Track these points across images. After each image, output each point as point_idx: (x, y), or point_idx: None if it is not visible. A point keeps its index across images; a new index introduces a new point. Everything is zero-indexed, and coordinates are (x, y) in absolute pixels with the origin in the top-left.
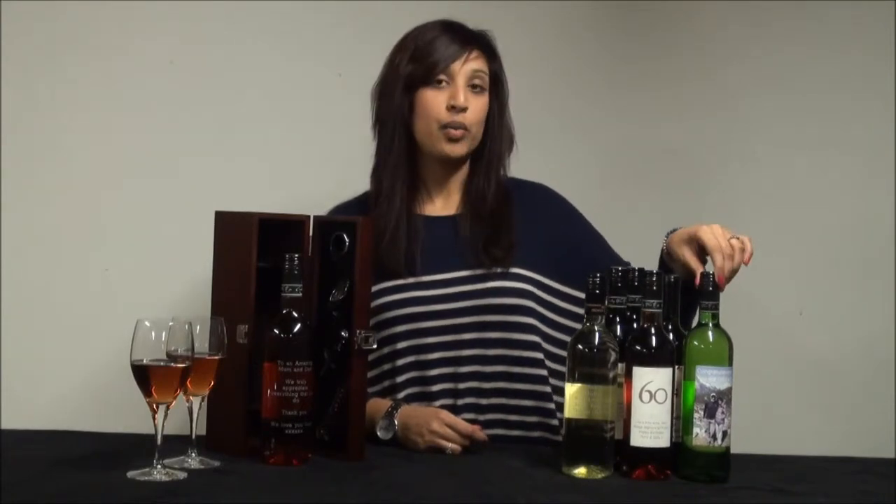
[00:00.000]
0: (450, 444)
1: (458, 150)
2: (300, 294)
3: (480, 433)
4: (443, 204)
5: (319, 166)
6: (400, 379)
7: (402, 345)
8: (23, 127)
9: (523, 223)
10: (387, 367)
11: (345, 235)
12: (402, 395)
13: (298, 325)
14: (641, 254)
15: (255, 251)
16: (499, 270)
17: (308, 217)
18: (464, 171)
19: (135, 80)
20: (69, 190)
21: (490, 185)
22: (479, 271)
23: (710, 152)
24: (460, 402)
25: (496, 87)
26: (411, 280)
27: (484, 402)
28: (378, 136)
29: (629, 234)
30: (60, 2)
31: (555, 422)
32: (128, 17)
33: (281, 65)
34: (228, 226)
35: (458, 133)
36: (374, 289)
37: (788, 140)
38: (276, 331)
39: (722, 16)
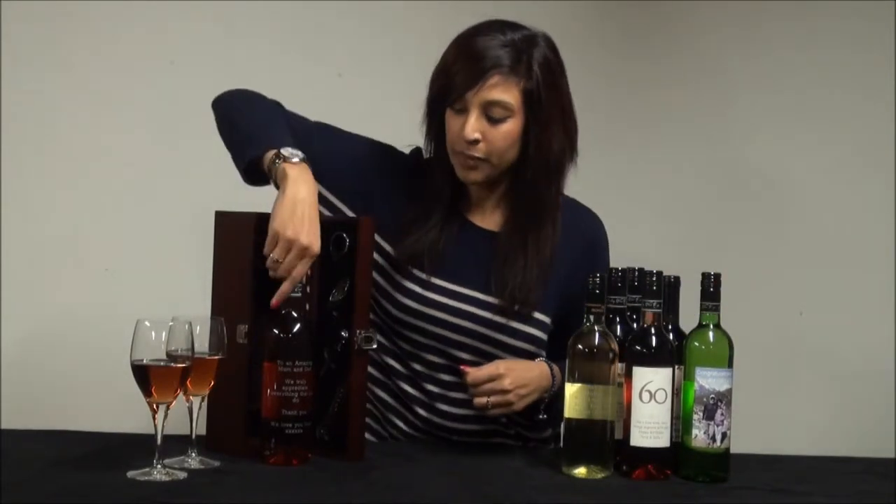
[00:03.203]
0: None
1: (474, 176)
2: (300, 294)
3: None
4: (482, 216)
5: None
6: (392, 362)
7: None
8: (23, 127)
9: (560, 247)
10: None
11: (345, 235)
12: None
13: (298, 325)
14: (639, 251)
15: (255, 251)
16: (521, 312)
17: None
18: (502, 189)
19: (135, 80)
20: (69, 190)
21: (530, 216)
22: (500, 304)
23: (710, 153)
24: (439, 405)
25: (531, 107)
26: (429, 279)
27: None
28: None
29: (625, 233)
30: (61, 2)
31: (511, 431)
32: (128, 17)
33: (281, 65)
34: (228, 226)
35: (471, 163)
36: (394, 279)
37: (788, 140)
38: (276, 331)
39: (723, 16)
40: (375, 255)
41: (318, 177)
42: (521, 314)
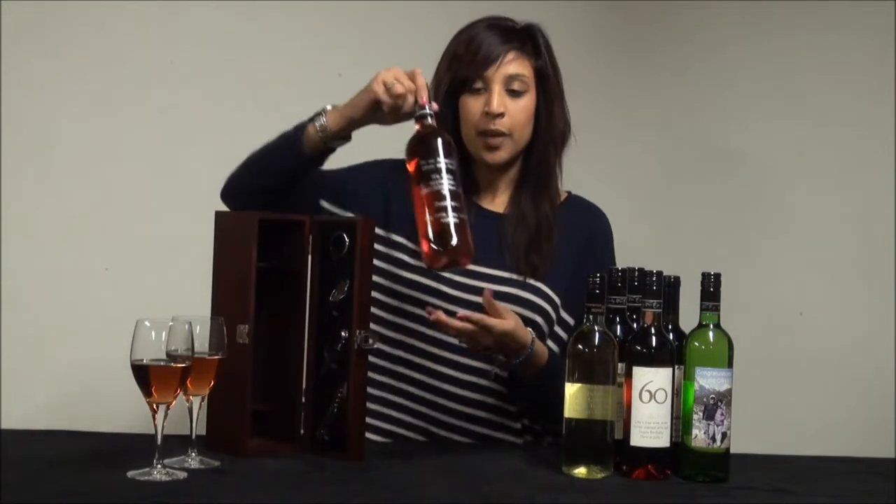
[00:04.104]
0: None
1: (498, 156)
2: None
3: (423, 94)
4: (490, 199)
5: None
6: (402, 353)
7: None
8: (23, 127)
9: (563, 240)
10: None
11: (345, 235)
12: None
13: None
14: (640, 251)
15: (255, 251)
16: (532, 282)
17: (308, 217)
18: (513, 172)
19: (135, 80)
20: (69, 189)
21: (541, 187)
22: (513, 276)
23: (710, 152)
24: (439, 384)
25: (541, 83)
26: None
27: (461, 392)
28: None
29: (626, 232)
30: (61, 2)
31: (517, 426)
32: (128, 17)
33: (281, 65)
34: (228, 226)
35: (495, 141)
36: (421, 269)
37: (789, 139)
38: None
39: (724, 13)
40: (401, 255)
41: (342, 204)
42: (533, 287)
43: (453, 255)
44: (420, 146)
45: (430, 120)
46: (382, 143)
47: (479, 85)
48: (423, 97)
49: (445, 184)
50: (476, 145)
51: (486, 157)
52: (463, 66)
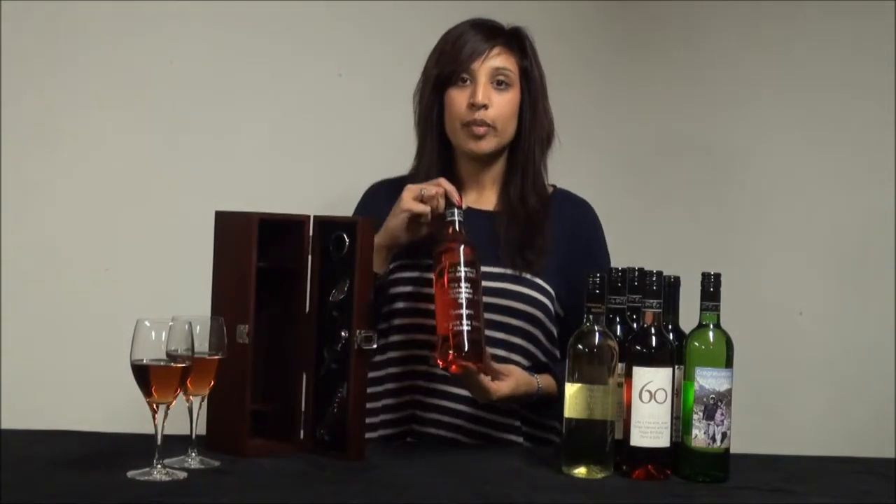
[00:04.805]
0: (422, 206)
1: (483, 146)
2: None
3: (455, 195)
4: (476, 198)
5: (319, 166)
6: (394, 355)
7: (400, 321)
8: (23, 127)
9: (554, 234)
10: (394, 338)
11: (345, 235)
12: (389, 356)
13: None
14: (639, 251)
15: (255, 251)
16: (528, 276)
17: (308, 217)
18: (498, 168)
19: (135, 80)
20: (69, 190)
21: (528, 184)
22: (508, 271)
23: (710, 153)
24: (441, 387)
25: (526, 82)
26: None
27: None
28: (417, 136)
29: (626, 232)
30: (60, 2)
31: (517, 422)
32: (128, 17)
33: (281, 64)
34: (228, 226)
35: (480, 130)
36: (399, 268)
37: (788, 140)
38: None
39: (724, 15)
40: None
41: None
42: (529, 281)
43: (466, 360)
44: (446, 251)
45: (458, 226)
46: (377, 148)
47: (464, 77)
48: (456, 197)
49: (463, 293)
50: (460, 137)
51: (470, 146)
52: (450, 60)
